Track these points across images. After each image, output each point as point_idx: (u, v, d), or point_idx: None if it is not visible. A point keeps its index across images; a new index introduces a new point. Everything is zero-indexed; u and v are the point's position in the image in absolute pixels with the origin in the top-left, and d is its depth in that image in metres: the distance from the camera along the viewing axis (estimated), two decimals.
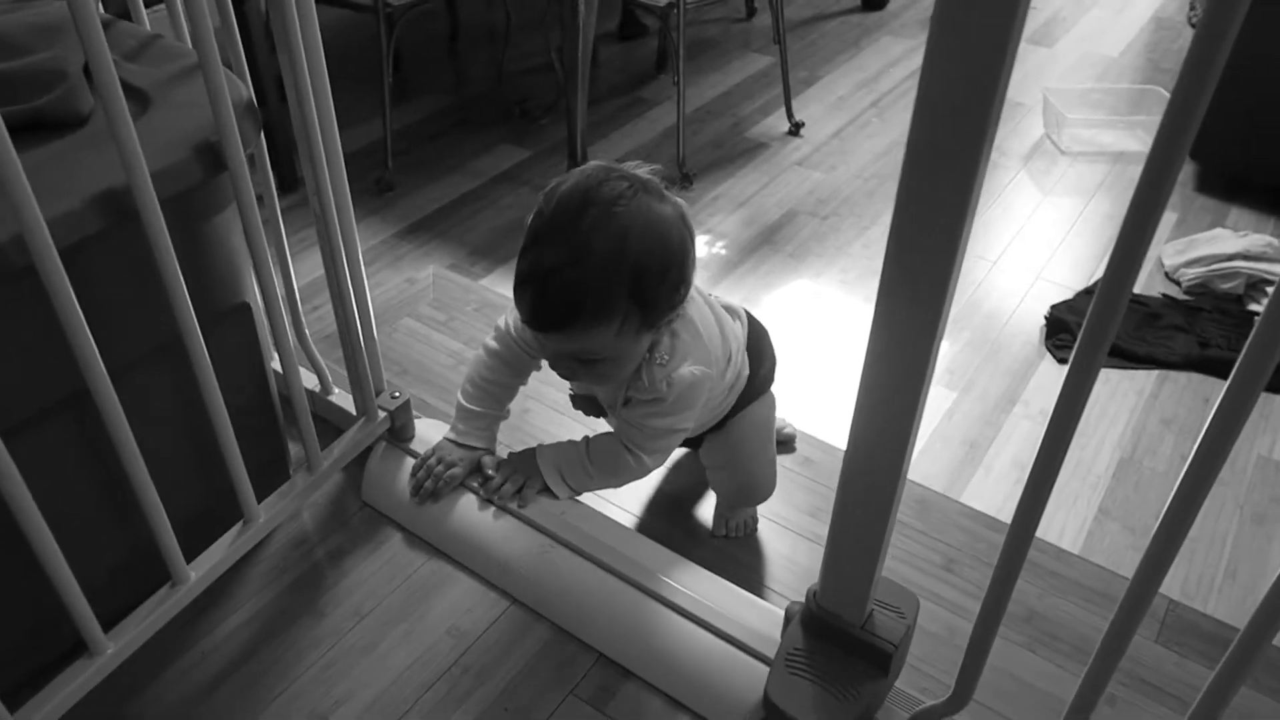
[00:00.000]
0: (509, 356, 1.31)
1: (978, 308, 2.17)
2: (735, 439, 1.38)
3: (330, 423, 1.44)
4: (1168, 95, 2.61)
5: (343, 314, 1.26)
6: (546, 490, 1.33)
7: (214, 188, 1.04)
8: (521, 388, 1.39)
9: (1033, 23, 3.49)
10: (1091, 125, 2.76)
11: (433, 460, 1.35)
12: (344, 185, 1.16)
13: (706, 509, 1.52)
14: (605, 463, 1.28)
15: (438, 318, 1.95)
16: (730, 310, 1.36)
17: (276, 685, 1.14)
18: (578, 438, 1.34)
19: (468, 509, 1.33)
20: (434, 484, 1.33)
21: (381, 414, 1.37)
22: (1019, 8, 0.66)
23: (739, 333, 1.33)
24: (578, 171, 1.08)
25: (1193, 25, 3.24)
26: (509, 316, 1.30)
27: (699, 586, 1.22)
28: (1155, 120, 2.95)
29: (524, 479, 1.33)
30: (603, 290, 1.04)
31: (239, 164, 0.99)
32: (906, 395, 0.85)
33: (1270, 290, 2.18)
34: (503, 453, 1.39)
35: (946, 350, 2.09)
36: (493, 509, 1.31)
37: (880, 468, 0.90)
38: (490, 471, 1.34)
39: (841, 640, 1.02)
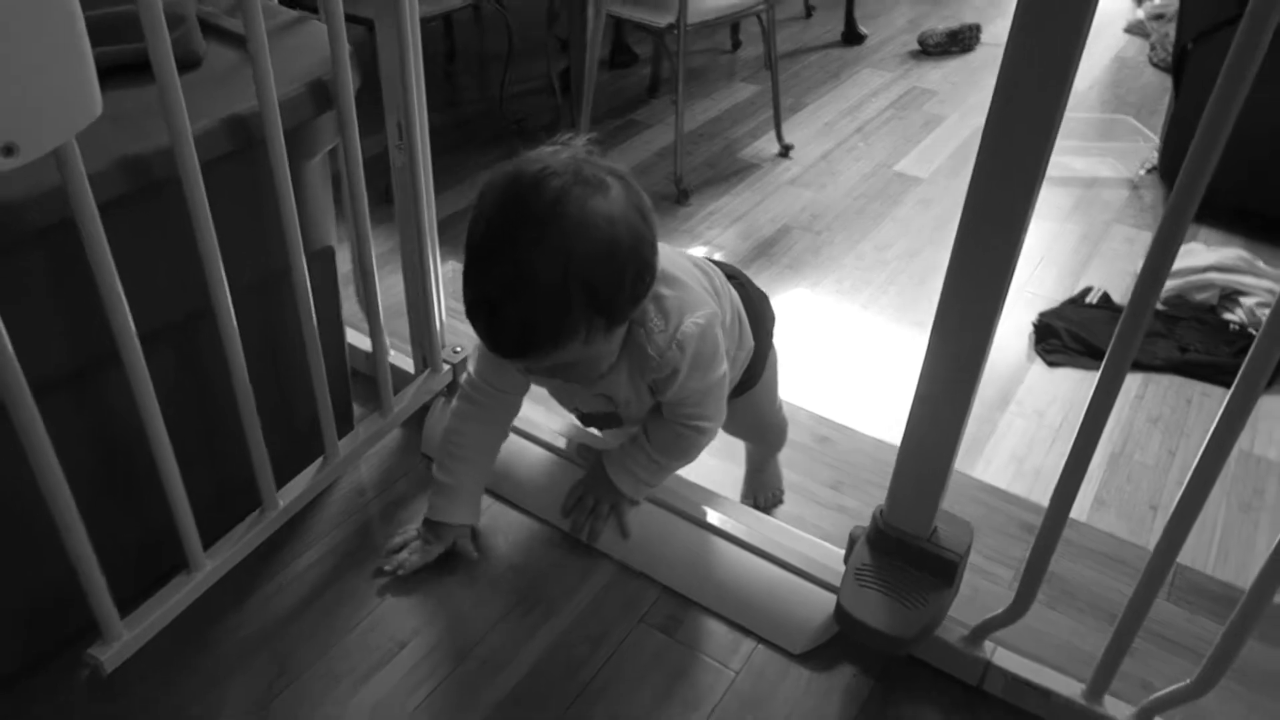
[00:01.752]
0: (488, 404, 1.22)
1: None
2: (749, 409, 1.36)
3: None
4: (1136, 124, 2.79)
5: (416, 265, 1.31)
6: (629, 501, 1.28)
7: (315, 129, 1.09)
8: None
9: None
10: (1064, 152, 2.91)
11: (412, 533, 1.26)
12: (426, 138, 1.22)
13: (733, 482, 1.57)
14: (670, 447, 1.21)
15: (458, 308, 2.00)
16: (724, 270, 1.26)
17: (356, 614, 1.17)
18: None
19: (526, 455, 1.37)
20: (407, 554, 1.24)
21: (445, 367, 1.42)
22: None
23: (733, 296, 1.24)
24: (504, 175, 0.97)
25: (1154, 65, 3.44)
26: (471, 368, 1.23)
27: (754, 522, 1.27)
28: (1125, 146, 3.11)
29: (608, 505, 1.27)
30: (555, 316, 0.95)
31: (348, 100, 1.06)
32: (978, 332, 0.95)
33: (1242, 300, 2.33)
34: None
35: None
36: (551, 456, 1.35)
37: (956, 378, 0.98)
38: (473, 550, 1.27)
39: (909, 554, 1.09)
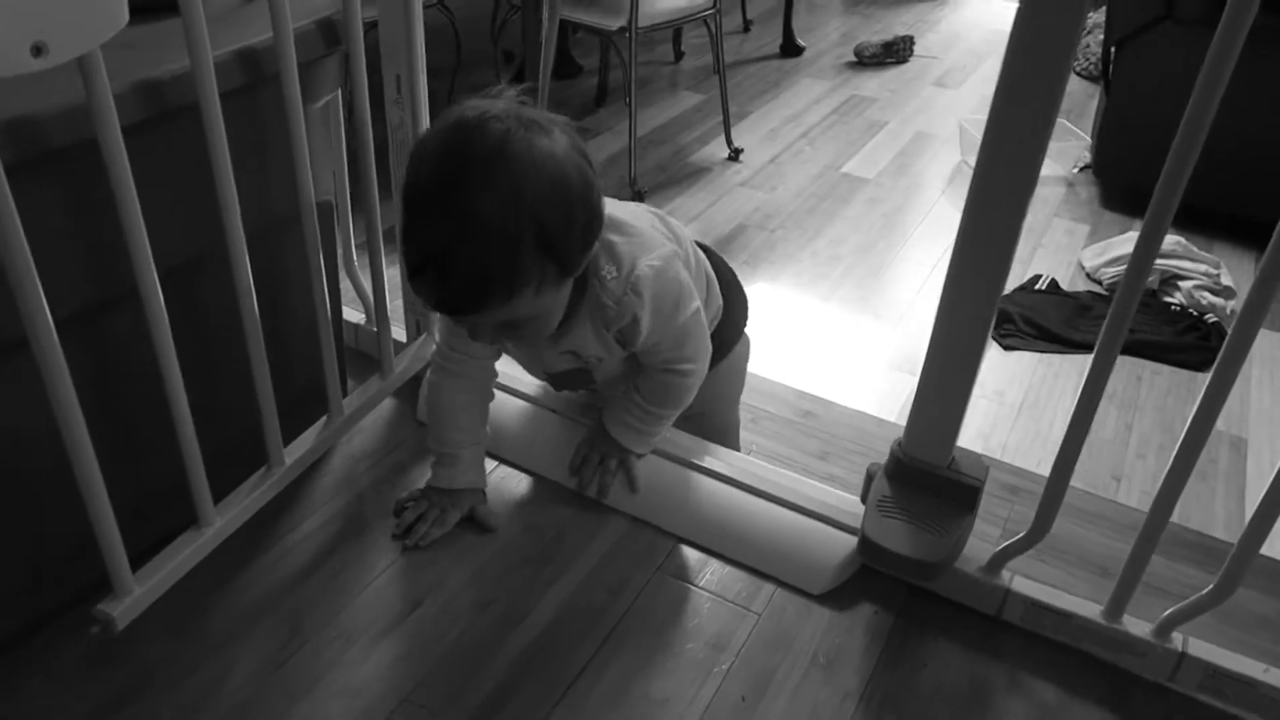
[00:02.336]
0: (462, 372, 1.19)
1: (925, 307, 2.34)
2: (718, 385, 1.31)
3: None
4: (1068, 125, 2.91)
5: None
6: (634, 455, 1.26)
7: (320, 71, 1.08)
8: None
9: (937, 70, 3.79)
10: None
11: (424, 502, 1.21)
12: (425, 92, 1.21)
13: None
14: (660, 396, 1.20)
15: None
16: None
17: (365, 575, 1.13)
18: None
19: (528, 416, 1.35)
20: (425, 526, 1.19)
21: None
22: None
23: (699, 253, 1.22)
24: (443, 125, 0.93)
25: (1078, 74, 3.59)
26: (438, 337, 1.21)
27: (762, 470, 1.28)
28: (1059, 146, 3.23)
29: (615, 460, 1.26)
30: (508, 262, 0.91)
31: (357, 37, 1.05)
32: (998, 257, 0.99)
33: (1181, 284, 2.42)
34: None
35: (902, 344, 2.24)
36: (554, 415, 1.34)
37: (977, 302, 1.00)
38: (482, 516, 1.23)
39: (929, 482, 1.10)
